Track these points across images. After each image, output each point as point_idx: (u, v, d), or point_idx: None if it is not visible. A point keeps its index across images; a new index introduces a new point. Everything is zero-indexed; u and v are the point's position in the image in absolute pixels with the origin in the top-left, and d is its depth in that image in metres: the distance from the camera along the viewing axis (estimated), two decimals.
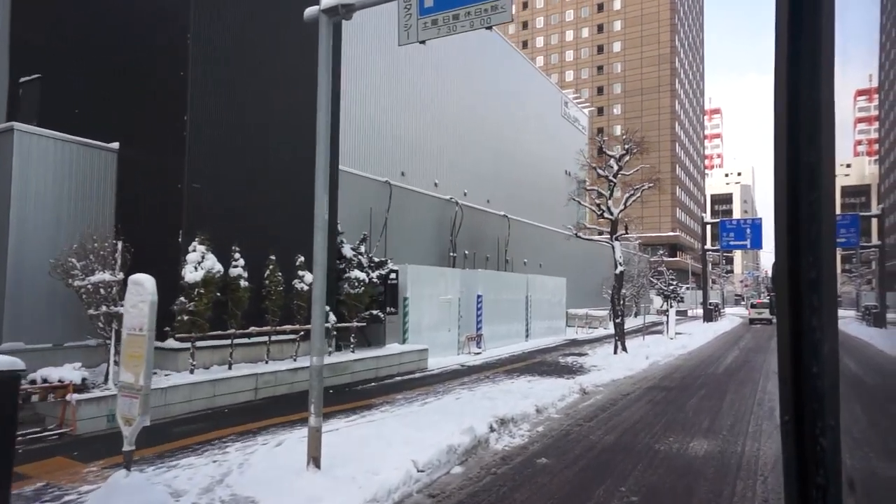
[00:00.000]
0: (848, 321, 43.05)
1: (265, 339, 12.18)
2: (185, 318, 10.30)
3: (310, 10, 6.97)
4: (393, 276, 16.18)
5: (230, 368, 11.22)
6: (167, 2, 12.00)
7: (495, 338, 21.89)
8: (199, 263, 10.40)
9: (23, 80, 14.59)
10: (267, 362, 12.10)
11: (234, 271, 11.21)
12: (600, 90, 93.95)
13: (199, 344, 11.00)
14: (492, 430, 8.69)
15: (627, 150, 18.81)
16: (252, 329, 11.74)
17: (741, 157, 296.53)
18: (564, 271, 33.41)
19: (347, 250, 15.46)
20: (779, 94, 1.03)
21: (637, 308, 45.10)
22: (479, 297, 21.04)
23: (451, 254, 24.11)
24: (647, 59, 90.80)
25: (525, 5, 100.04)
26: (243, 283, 11.23)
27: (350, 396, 11.75)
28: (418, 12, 6.44)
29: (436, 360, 17.20)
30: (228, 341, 11.29)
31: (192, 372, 10.49)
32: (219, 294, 10.64)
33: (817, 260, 0.98)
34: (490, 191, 32.92)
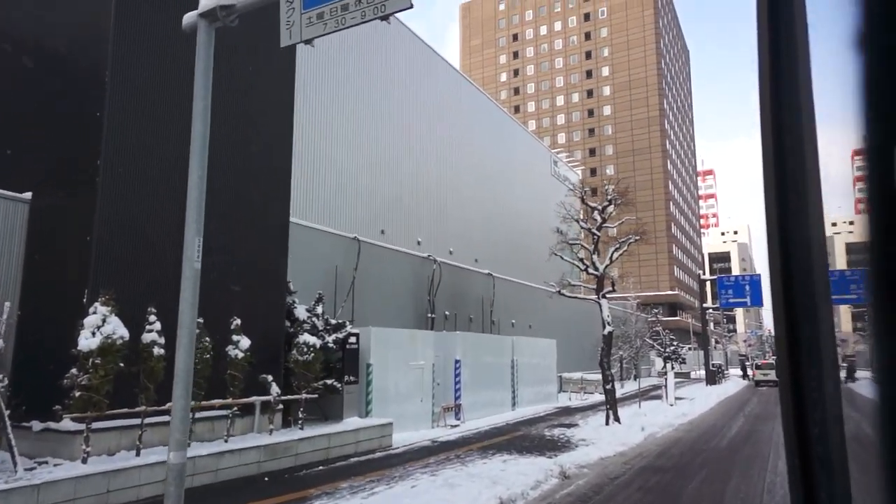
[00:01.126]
0: (864, 382, 40.91)
1: (189, 415, 10.37)
2: (78, 393, 8.58)
3: (188, 17, 5.73)
4: (353, 340, 14.48)
5: (138, 455, 9.40)
6: (83, 53, 10.89)
7: (477, 407, 19.93)
8: (98, 328, 8.78)
9: None
10: (189, 444, 10.24)
11: (147, 337, 9.57)
12: (592, 152, 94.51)
13: (98, 425, 9.24)
14: None
15: (611, 202, 17.51)
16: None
17: (736, 216, 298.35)
18: (556, 333, 31.59)
19: (301, 311, 13.85)
20: (766, 155, 1.08)
21: (636, 371, 42.97)
22: (457, 362, 19.23)
23: (430, 315, 22.44)
24: (636, 121, 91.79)
25: (516, 73, 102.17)
26: (158, 350, 9.56)
27: (284, 487, 9.87)
28: (301, 5, 5.19)
29: (405, 436, 15.26)
30: (139, 420, 9.51)
31: (84, 461, 8.68)
32: (122, 364, 8.95)
33: (813, 314, 1.01)
34: (477, 250, 31.62)
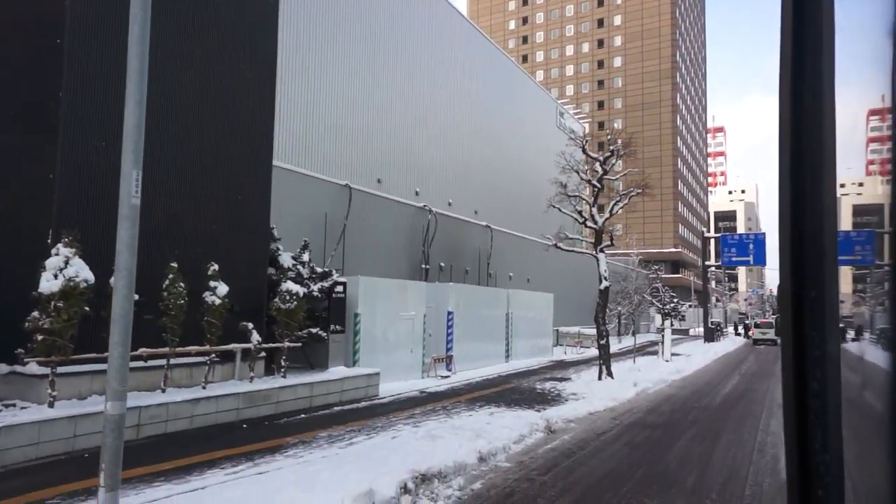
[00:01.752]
0: (863, 345, 40.63)
1: (164, 362, 10.08)
2: (41, 337, 8.22)
3: None
4: (339, 288, 14.09)
5: None
6: None
7: (469, 359, 19.73)
8: (60, 270, 8.34)
9: None
10: (164, 391, 9.99)
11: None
12: (601, 104, 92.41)
13: (68, 369, 8.93)
14: (404, 491, 6.56)
15: (613, 152, 16.76)
16: (142, 351, 9.64)
17: (745, 175, 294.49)
18: (555, 287, 31.27)
19: (286, 259, 13.42)
20: (783, 114, 1.09)
21: (635, 326, 42.87)
22: (449, 313, 18.92)
23: (424, 266, 22.04)
24: (647, 74, 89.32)
25: (525, 20, 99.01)
26: None
27: (260, 434, 9.63)
28: None
29: (393, 386, 15.06)
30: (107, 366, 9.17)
31: (51, 405, 8.39)
32: (87, 308, 8.56)
33: (819, 278, 1.03)
34: (478, 202, 31.01)
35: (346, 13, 22.34)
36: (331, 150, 21.22)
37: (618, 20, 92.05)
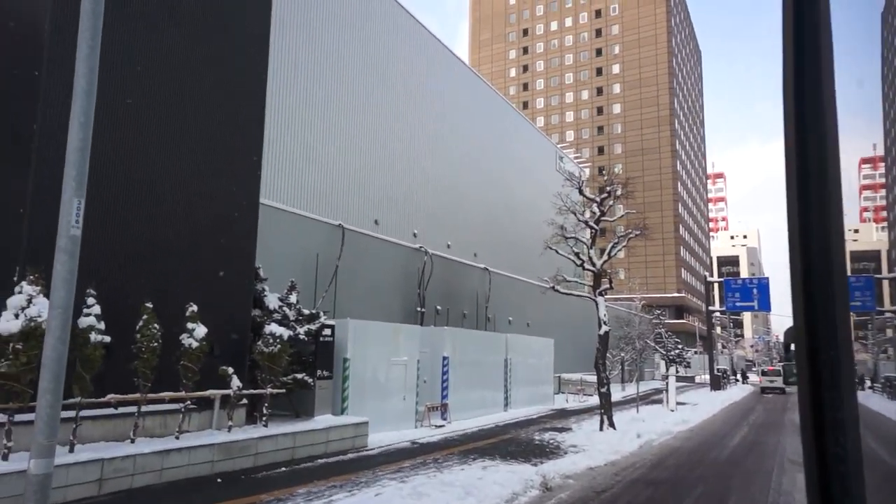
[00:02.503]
0: (867, 395, 39.56)
1: (134, 409, 9.45)
2: None
3: None
4: (327, 332, 13.51)
5: (71, 451, 8.47)
6: None
7: (466, 407, 18.93)
8: (22, 310, 7.85)
9: None
10: (133, 441, 9.33)
11: (84, 321, 8.62)
12: (601, 150, 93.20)
13: (28, 417, 8.29)
14: None
15: (609, 193, 16.42)
16: (111, 397, 9.04)
17: (746, 220, 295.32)
18: (556, 332, 30.55)
19: (272, 300, 12.90)
20: (789, 161, 1.13)
21: (639, 373, 41.85)
22: (444, 358, 18.24)
23: (419, 309, 21.46)
24: (646, 120, 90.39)
25: (525, 68, 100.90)
26: (96, 336, 8.62)
27: (234, 489, 8.93)
28: None
29: (383, 436, 14.30)
30: (73, 413, 8.57)
31: (5, 457, 7.76)
32: None
33: (833, 337, 1.05)
34: (477, 245, 30.63)
35: (345, 52, 22.43)
36: (326, 190, 20.95)
37: (616, 69, 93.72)
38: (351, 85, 22.71)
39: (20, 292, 8.04)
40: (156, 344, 9.46)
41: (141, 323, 9.47)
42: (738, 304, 42.20)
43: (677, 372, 52.65)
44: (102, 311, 8.91)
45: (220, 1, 12.01)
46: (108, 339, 8.94)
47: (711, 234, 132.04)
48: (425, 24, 28.49)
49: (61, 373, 4.34)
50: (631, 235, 17.06)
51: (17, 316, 7.82)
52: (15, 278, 8.55)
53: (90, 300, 8.84)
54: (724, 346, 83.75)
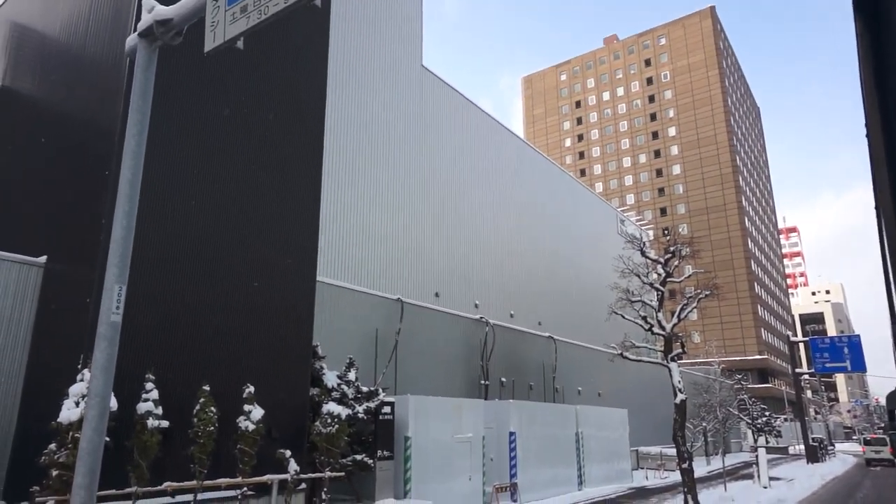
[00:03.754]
0: None
1: (190, 497, 9.27)
2: (56, 472, 7.66)
3: (129, 41, 5.07)
4: (386, 409, 13.14)
5: None
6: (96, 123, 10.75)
7: (537, 486, 17.84)
8: (83, 397, 7.94)
9: None
10: None
11: (142, 407, 8.66)
12: (663, 211, 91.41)
13: None
14: None
15: (674, 253, 15.70)
16: (167, 485, 8.91)
17: (827, 274, 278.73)
18: (630, 401, 28.93)
19: (331, 378, 12.72)
20: (885, 203, 1.15)
21: (725, 445, 38.78)
22: (511, 434, 17.40)
23: (483, 382, 20.79)
24: (708, 179, 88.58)
25: (580, 137, 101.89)
26: (153, 422, 8.60)
27: None
28: (226, 3, 4.40)
29: None
30: (129, 503, 8.46)
31: None
32: (108, 439, 8.01)
33: None
34: (541, 313, 29.90)
35: (403, 132, 23.12)
36: (385, 265, 21.08)
37: (672, 131, 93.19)
38: (408, 163, 23.26)
39: (81, 380, 8.17)
40: (212, 428, 9.36)
41: (198, 406, 9.43)
42: (827, 364, 38.98)
43: (767, 442, 48.57)
44: (160, 395, 8.93)
45: (281, 104, 12.62)
46: (166, 423, 8.92)
47: (790, 290, 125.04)
48: (478, 103, 29.28)
49: (97, 467, 4.20)
50: (701, 296, 16.15)
51: (77, 404, 7.91)
52: (79, 366, 8.73)
53: (148, 385, 8.90)
54: (816, 412, 77.25)
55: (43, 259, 10.68)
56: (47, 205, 11.66)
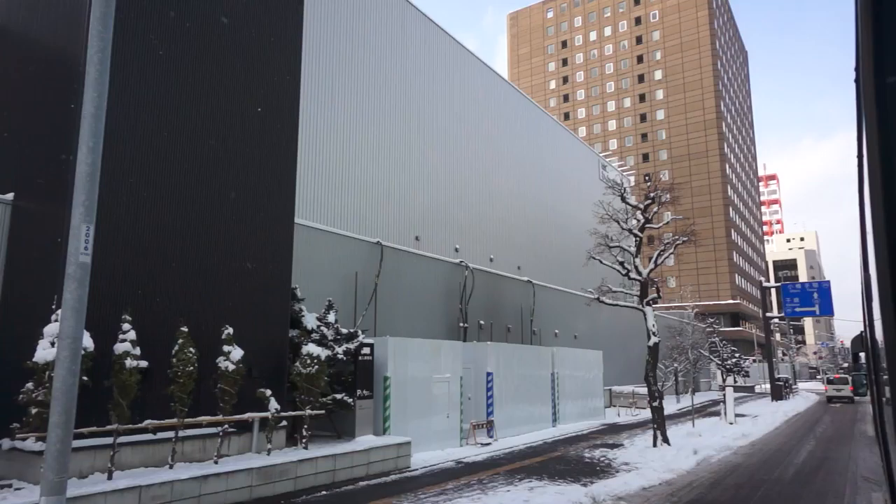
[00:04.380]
0: None
1: (172, 434, 9.41)
2: (35, 410, 7.70)
3: None
4: (366, 350, 13.32)
5: (110, 478, 8.45)
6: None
7: (513, 423, 18.43)
8: (58, 336, 7.89)
9: None
10: (171, 466, 9.27)
11: (119, 347, 8.65)
12: (646, 157, 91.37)
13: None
14: None
15: (653, 199, 15.77)
16: (148, 423, 9.02)
17: (803, 222, 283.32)
18: (605, 343, 29.70)
19: (311, 320, 12.80)
20: (872, 154, 1.09)
21: (695, 385, 40.23)
22: (489, 374, 17.81)
23: (462, 325, 21.11)
24: (692, 125, 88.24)
25: (565, 79, 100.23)
26: (131, 362, 8.62)
27: None
28: None
29: (427, 456, 13.98)
30: (110, 440, 8.57)
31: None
32: (85, 378, 8.03)
33: None
34: (521, 258, 30.15)
35: (382, 70, 22.52)
36: (366, 208, 20.94)
37: (658, 75, 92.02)
38: (388, 103, 22.76)
39: (56, 320, 8.11)
40: (192, 368, 9.43)
41: (177, 347, 9.46)
42: (797, 309, 40.22)
43: (735, 382, 50.46)
44: (138, 336, 8.92)
45: (253, 26, 12.11)
46: (144, 363, 8.95)
47: (766, 237, 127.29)
48: (462, 41, 28.46)
49: (72, 405, 4.20)
50: (678, 242, 16.35)
51: (52, 344, 7.88)
52: (53, 306, 8.65)
53: (125, 325, 8.88)
54: (784, 354, 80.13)
55: (10, 196, 10.39)
56: (13, 139, 11.25)
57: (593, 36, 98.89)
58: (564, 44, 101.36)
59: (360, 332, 13.45)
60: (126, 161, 9.71)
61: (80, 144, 4.41)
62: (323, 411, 12.05)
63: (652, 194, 16.05)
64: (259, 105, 11.95)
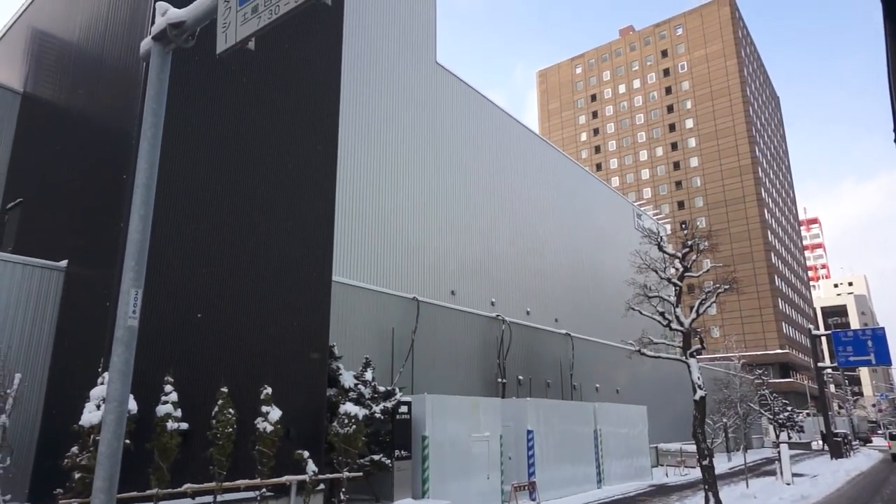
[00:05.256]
0: None
1: (210, 498, 9.35)
2: (78, 475, 7.77)
3: (144, 44, 5.11)
4: (403, 409, 13.15)
5: None
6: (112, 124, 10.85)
7: (555, 485, 17.78)
8: (104, 400, 8.02)
9: (9, 206, 13.87)
10: None
11: (161, 409, 8.74)
12: (681, 205, 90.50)
13: None
14: None
15: (692, 247, 15.50)
16: (187, 487, 8.99)
17: (850, 266, 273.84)
18: (648, 397, 28.74)
19: (348, 378, 12.75)
20: None
21: (746, 441, 38.35)
22: (529, 432, 17.34)
23: (500, 380, 20.74)
24: (727, 170, 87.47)
25: (596, 131, 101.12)
26: (172, 424, 8.69)
27: None
28: (238, 2, 4.40)
29: None
30: None
31: None
32: (128, 441, 8.11)
33: None
34: (557, 310, 29.76)
35: (417, 129, 23.08)
36: (401, 263, 21.09)
37: (689, 123, 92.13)
38: (422, 160, 23.22)
39: (102, 383, 8.27)
40: (231, 429, 9.43)
41: (216, 408, 9.50)
42: (851, 358, 38.36)
43: (790, 438, 47.96)
44: (178, 396, 9.02)
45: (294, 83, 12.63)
46: (185, 425, 9.00)
47: (812, 283, 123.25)
48: (492, 96, 29.12)
49: (116, 470, 4.23)
50: (720, 290, 15.93)
51: (98, 407, 8.00)
52: (100, 369, 8.84)
53: (168, 387, 8.99)
54: (840, 407, 76.14)
55: (64, 263, 10.83)
56: (68, 209, 11.82)
57: (622, 88, 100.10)
58: (594, 97, 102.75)
59: (397, 390, 13.34)
60: (167, 225, 10.06)
61: (133, 212, 4.60)
62: (361, 473, 11.85)
63: (690, 242, 15.79)
64: (298, 177, 12.31)
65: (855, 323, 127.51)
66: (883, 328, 38.24)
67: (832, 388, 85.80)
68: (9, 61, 16.96)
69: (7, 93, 15.30)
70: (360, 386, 12.83)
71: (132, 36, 11.13)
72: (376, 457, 12.27)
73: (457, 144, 25.64)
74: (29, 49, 16.01)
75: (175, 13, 4.90)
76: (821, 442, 48.40)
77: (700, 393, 14.73)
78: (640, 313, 16.53)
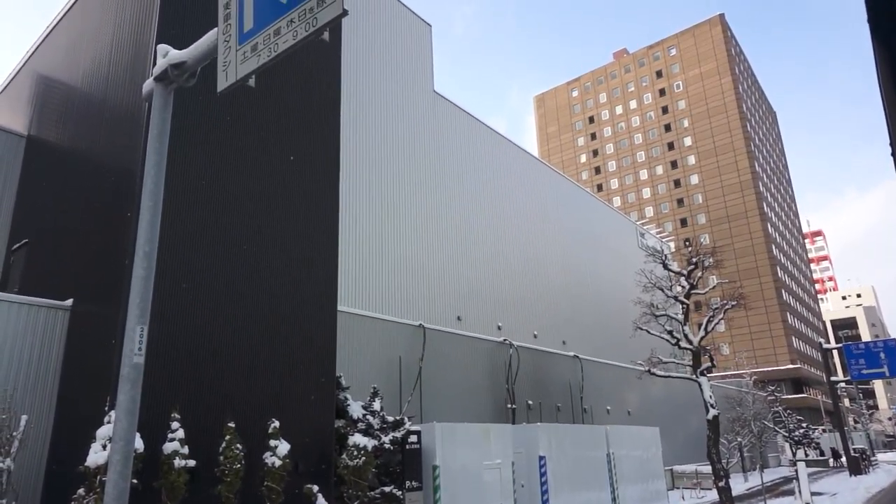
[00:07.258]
0: None
1: None
2: None
3: (146, 85, 5.20)
4: (413, 438, 13.00)
5: None
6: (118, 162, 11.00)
7: None
8: (110, 440, 7.97)
9: (14, 247, 13.98)
10: None
11: (168, 447, 8.67)
12: (683, 222, 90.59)
13: None
14: None
15: (697, 264, 15.47)
16: None
17: (857, 278, 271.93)
18: (660, 419, 28.36)
19: (356, 409, 12.64)
20: None
21: (762, 460, 37.68)
22: (541, 458, 17.06)
23: (510, 406, 20.53)
24: (728, 187, 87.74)
25: (595, 153, 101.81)
26: (180, 461, 8.60)
27: None
28: (237, 41, 4.48)
29: None
30: None
31: None
32: (135, 481, 8.03)
33: None
34: (564, 332, 29.61)
35: (416, 156, 23.27)
36: (406, 290, 21.08)
37: (688, 141, 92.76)
38: (425, 188, 23.37)
39: (108, 422, 8.21)
40: (239, 465, 9.33)
41: (224, 444, 9.42)
42: (864, 371, 37.87)
43: (807, 455, 47.09)
44: (186, 434, 8.94)
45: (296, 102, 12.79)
46: (192, 462, 8.91)
47: (820, 296, 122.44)
48: (488, 120, 29.43)
49: (121, 500, 4.17)
50: (728, 306, 15.84)
51: (104, 447, 7.94)
52: (106, 407, 8.79)
53: (174, 424, 8.92)
54: (856, 421, 74.99)
55: (69, 302, 10.85)
56: (73, 249, 11.89)
57: (619, 110, 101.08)
58: (591, 119, 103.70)
59: (406, 420, 13.21)
60: (175, 265, 10.09)
61: (137, 249, 4.62)
62: None
63: (694, 259, 15.75)
64: (301, 211, 12.39)
65: (866, 335, 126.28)
66: (895, 339, 37.86)
67: (846, 402, 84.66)
68: (14, 106, 17.26)
69: (12, 137, 15.54)
70: (368, 416, 12.71)
71: (134, 78, 11.32)
72: (387, 488, 12.08)
73: (457, 170, 25.83)
74: (34, 93, 16.30)
75: (176, 54, 5.00)
76: (832, 459, 47.58)
77: (713, 412, 14.55)
78: (649, 332, 16.44)
